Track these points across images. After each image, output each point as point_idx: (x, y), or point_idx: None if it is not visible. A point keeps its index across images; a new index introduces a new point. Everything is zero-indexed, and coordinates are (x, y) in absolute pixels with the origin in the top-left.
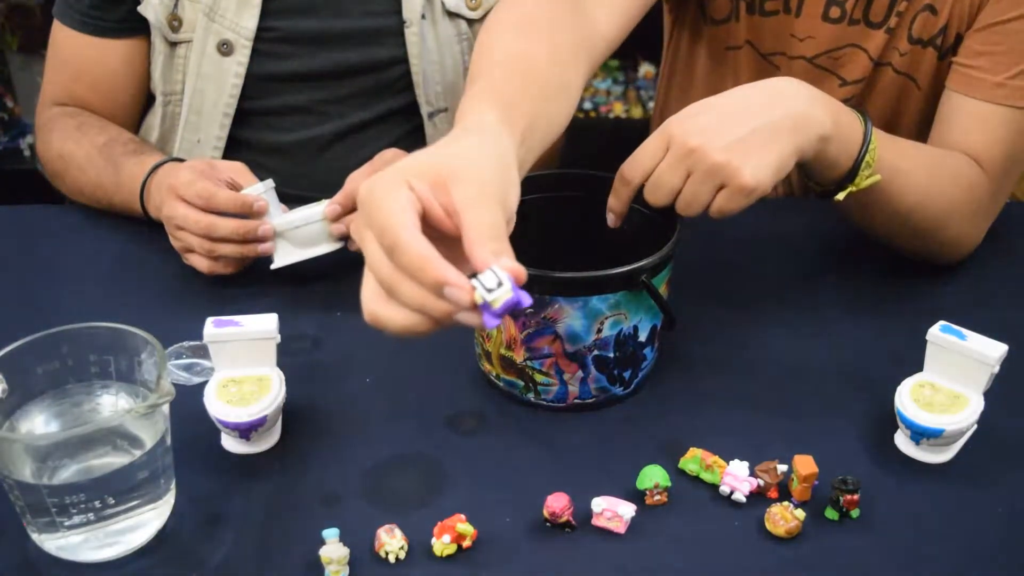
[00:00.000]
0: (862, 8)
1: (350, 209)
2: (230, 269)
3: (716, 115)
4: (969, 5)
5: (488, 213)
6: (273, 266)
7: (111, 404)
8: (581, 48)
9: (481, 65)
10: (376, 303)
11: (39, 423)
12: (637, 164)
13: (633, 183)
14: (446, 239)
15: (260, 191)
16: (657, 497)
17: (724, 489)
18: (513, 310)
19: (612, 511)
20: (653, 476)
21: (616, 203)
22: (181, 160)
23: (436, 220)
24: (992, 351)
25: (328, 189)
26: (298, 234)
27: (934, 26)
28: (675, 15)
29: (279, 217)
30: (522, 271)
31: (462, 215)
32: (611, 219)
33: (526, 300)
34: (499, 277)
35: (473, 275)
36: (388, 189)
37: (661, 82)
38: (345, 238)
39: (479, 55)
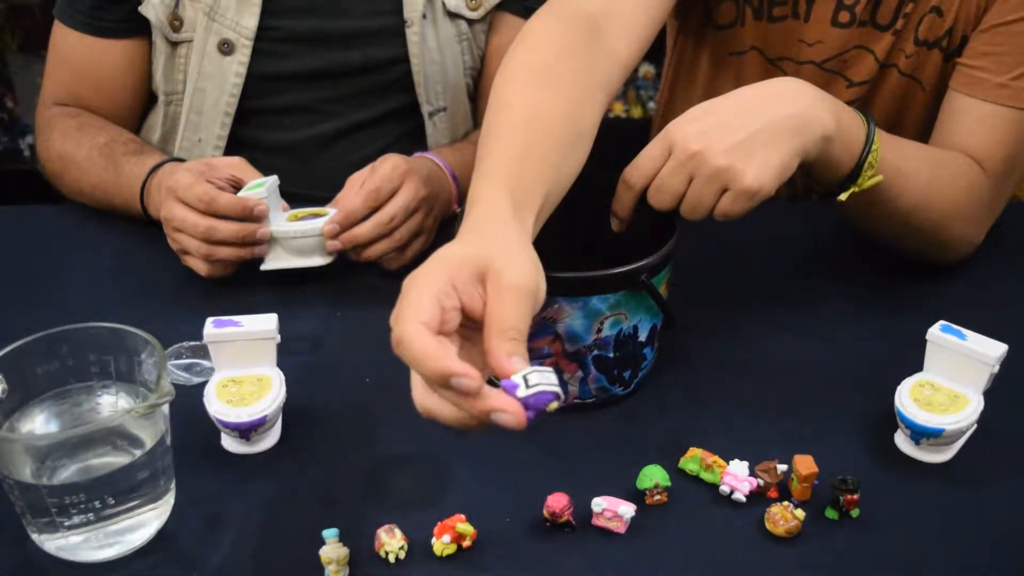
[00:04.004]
0: (869, 10)
1: (348, 227)
2: (227, 271)
3: (717, 118)
4: (975, 7)
5: (516, 313)
6: (263, 267)
7: (111, 404)
8: (600, 87)
9: (498, 125)
10: (428, 398)
11: (39, 423)
12: (639, 169)
13: (636, 188)
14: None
15: (263, 193)
16: (657, 497)
17: (724, 489)
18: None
19: (612, 511)
20: (653, 476)
21: (620, 208)
22: (181, 160)
23: (477, 317)
24: (992, 351)
25: (329, 188)
26: (293, 243)
27: (940, 28)
28: (680, 21)
29: (279, 224)
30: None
31: (491, 309)
32: (615, 224)
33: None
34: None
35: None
36: (413, 316)
37: (663, 87)
38: (339, 252)
39: (496, 109)
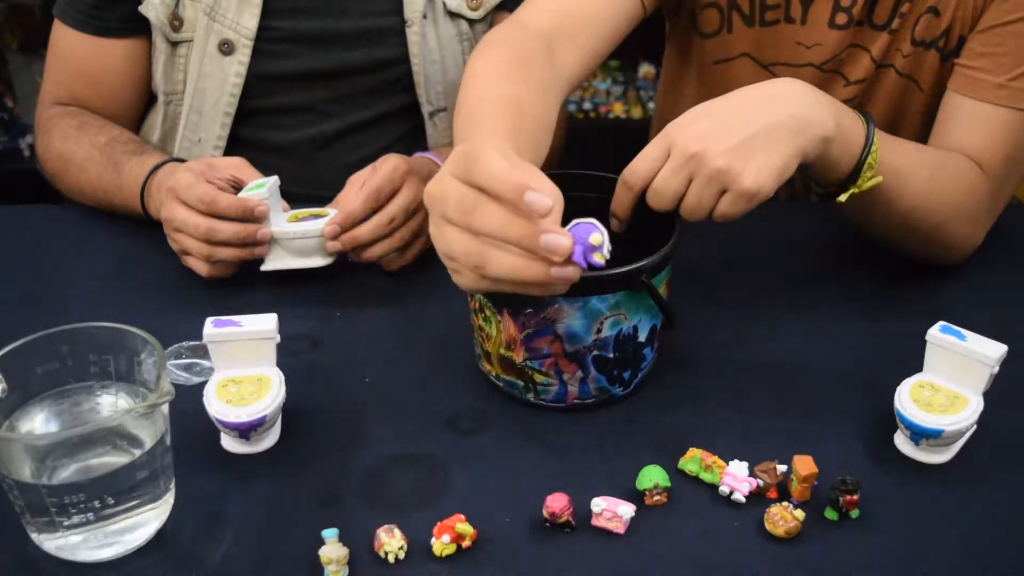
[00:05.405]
0: (865, 10)
1: (348, 228)
2: (227, 272)
3: (716, 119)
4: (972, 7)
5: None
6: (263, 268)
7: (111, 404)
8: (555, 90)
9: (484, 113)
10: (484, 246)
11: (39, 423)
12: (638, 171)
13: (635, 189)
14: None
15: (264, 194)
16: (656, 497)
17: (724, 489)
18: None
19: (612, 511)
20: (652, 476)
21: (619, 209)
22: (182, 160)
23: None
24: (992, 351)
25: (329, 188)
26: (294, 244)
27: (937, 28)
28: (671, 25)
29: (279, 225)
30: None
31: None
32: (615, 224)
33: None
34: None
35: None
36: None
37: (659, 89)
38: (339, 253)
39: (476, 98)
